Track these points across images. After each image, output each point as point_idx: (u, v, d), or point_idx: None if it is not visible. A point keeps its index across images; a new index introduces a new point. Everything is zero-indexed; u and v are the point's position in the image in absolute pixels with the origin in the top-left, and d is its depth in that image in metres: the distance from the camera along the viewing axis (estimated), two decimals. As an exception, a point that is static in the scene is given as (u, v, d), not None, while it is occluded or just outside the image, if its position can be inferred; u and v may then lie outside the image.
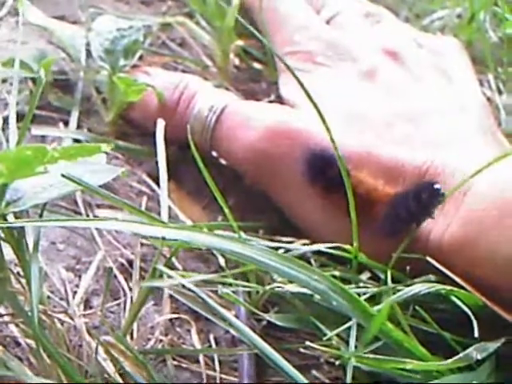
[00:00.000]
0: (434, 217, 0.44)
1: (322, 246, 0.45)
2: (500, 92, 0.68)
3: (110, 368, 0.42)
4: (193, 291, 0.44)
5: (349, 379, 0.37)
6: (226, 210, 0.46)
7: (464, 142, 0.50)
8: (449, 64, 0.58)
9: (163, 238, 0.40)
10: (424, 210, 0.44)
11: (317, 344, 0.42)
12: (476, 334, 0.40)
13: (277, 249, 0.43)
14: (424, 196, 0.44)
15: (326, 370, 0.45)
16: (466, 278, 0.43)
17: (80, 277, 0.48)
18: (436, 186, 0.44)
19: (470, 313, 0.42)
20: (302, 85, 0.44)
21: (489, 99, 0.65)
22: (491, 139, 0.51)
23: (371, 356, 0.39)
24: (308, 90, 0.44)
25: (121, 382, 0.42)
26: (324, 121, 0.43)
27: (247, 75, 0.66)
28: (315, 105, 0.43)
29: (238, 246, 0.38)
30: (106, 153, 0.40)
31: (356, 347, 0.42)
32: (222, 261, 0.49)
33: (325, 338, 0.42)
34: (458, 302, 0.43)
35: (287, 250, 0.46)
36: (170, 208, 0.52)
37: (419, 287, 0.42)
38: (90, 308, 0.47)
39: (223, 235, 0.39)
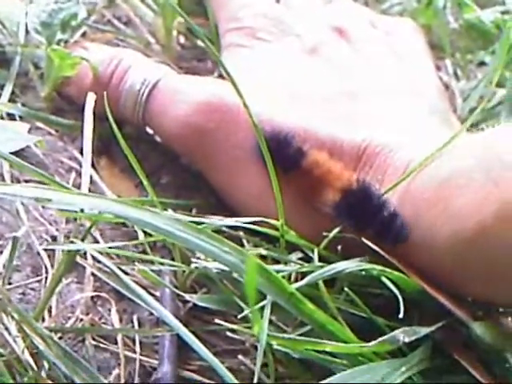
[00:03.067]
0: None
1: (243, 220, 0.43)
2: (457, 78, 0.66)
3: (18, 346, 0.40)
4: (113, 271, 0.42)
5: (259, 360, 0.34)
6: (145, 182, 0.44)
7: (410, 122, 0.48)
8: (403, 45, 0.57)
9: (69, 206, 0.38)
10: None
11: (242, 326, 0.40)
12: (401, 315, 0.38)
13: (198, 224, 0.41)
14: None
15: (253, 354, 0.43)
16: (404, 264, 0.41)
17: (2, 252, 0.46)
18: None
19: (398, 294, 0.40)
20: (218, 60, 0.42)
21: (446, 85, 0.64)
22: (442, 122, 0.50)
23: (286, 336, 0.37)
24: (225, 65, 0.42)
25: (30, 360, 0.40)
26: (241, 96, 0.41)
27: (192, 53, 0.64)
28: (232, 80, 0.41)
29: (149, 216, 0.36)
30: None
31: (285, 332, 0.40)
32: (141, 236, 0.47)
33: (239, 316, 0.40)
34: (389, 284, 0.40)
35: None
36: (97, 184, 0.50)
37: (346, 264, 0.39)
38: (10, 284, 0.45)
39: (136, 206, 0.37)
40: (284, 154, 0.44)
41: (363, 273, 0.42)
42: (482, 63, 0.68)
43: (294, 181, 0.44)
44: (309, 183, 0.44)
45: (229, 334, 0.43)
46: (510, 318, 0.45)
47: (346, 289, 0.40)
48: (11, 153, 0.44)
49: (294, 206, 0.44)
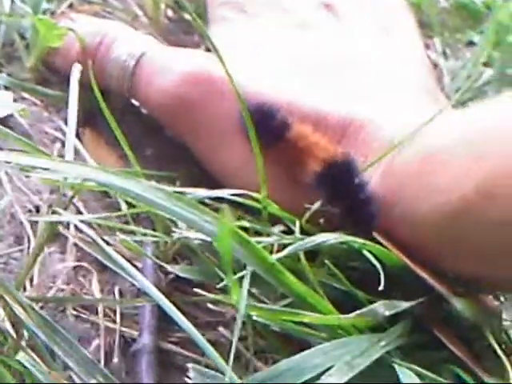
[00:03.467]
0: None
1: (225, 192, 0.42)
2: (446, 57, 0.66)
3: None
4: (95, 240, 0.42)
5: (237, 329, 0.34)
6: (129, 154, 0.44)
7: (396, 98, 0.48)
8: (391, 22, 0.56)
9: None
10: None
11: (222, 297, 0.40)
12: (381, 287, 0.38)
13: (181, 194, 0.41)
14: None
15: (233, 327, 0.43)
16: (386, 239, 0.41)
17: (-15, 222, 0.46)
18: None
19: (379, 267, 0.39)
20: (205, 33, 0.42)
21: (434, 64, 0.64)
22: (429, 99, 0.49)
23: (265, 306, 0.37)
24: (210, 37, 0.42)
25: (10, 329, 0.40)
26: (226, 68, 0.40)
27: (179, 27, 0.64)
28: (217, 52, 0.41)
29: (132, 184, 0.36)
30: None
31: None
32: (124, 207, 0.47)
33: (219, 286, 0.40)
34: (370, 257, 0.40)
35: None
36: (81, 154, 0.50)
37: (326, 236, 0.39)
38: (-8, 254, 0.45)
39: (119, 174, 0.37)
40: (268, 126, 0.44)
41: (345, 246, 0.42)
42: (470, 43, 0.68)
43: (278, 153, 0.44)
44: (292, 155, 0.44)
45: (210, 306, 0.43)
46: (490, 296, 0.46)
47: (326, 261, 0.40)
48: (-5, 122, 0.44)
49: (278, 179, 0.44)
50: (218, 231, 0.34)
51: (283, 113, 0.44)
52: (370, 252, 0.41)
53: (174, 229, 0.42)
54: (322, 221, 0.42)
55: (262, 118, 0.44)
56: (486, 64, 0.61)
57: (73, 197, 0.43)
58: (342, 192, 0.42)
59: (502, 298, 0.47)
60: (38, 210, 0.47)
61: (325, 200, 0.43)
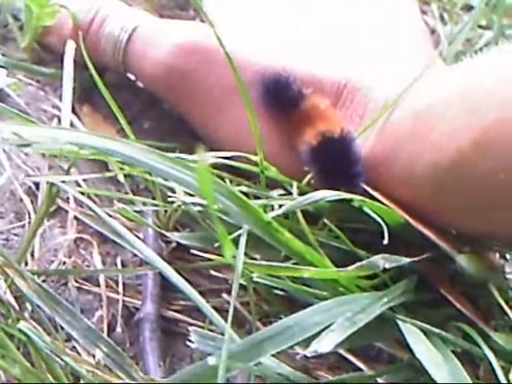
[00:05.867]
0: None
1: (223, 155, 0.42)
2: (444, 22, 0.65)
3: (1, 288, 0.40)
4: (95, 212, 0.42)
5: (236, 284, 0.34)
6: (124, 123, 0.44)
7: (392, 61, 0.48)
8: None
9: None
10: None
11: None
12: (385, 241, 0.38)
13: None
14: None
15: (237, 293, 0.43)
16: (387, 198, 0.41)
17: (-15, 201, 0.46)
18: None
19: (382, 222, 0.39)
20: (198, 5, 0.41)
21: (432, 29, 0.63)
22: (425, 61, 0.49)
23: (264, 263, 0.37)
24: (207, 10, 0.42)
25: (13, 302, 0.40)
26: (219, 37, 0.40)
27: (173, 2, 0.64)
28: (210, 21, 0.41)
29: (128, 148, 0.36)
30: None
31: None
32: (121, 178, 0.47)
33: (215, 245, 0.40)
34: (371, 214, 0.40)
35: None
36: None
37: (324, 193, 0.39)
38: (-7, 230, 0.45)
39: (114, 139, 0.37)
40: (285, 95, 0.44)
41: (346, 207, 0.41)
42: (468, 7, 0.68)
43: (284, 121, 0.44)
44: (297, 124, 0.44)
45: (212, 272, 0.43)
46: (495, 254, 0.45)
47: (325, 220, 0.40)
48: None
49: (278, 144, 0.45)
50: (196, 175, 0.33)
51: (300, 83, 0.44)
52: (371, 210, 0.40)
53: (170, 194, 0.42)
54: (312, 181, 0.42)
55: (278, 88, 0.44)
56: (484, 27, 0.60)
57: (70, 167, 0.42)
58: (331, 169, 0.42)
59: (507, 256, 0.46)
60: (37, 186, 0.47)
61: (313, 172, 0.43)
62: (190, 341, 0.35)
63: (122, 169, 0.46)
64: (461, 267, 0.40)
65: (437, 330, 0.39)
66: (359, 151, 0.42)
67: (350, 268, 0.37)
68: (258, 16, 0.51)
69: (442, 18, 0.66)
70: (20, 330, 0.36)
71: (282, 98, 0.44)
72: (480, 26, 0.64)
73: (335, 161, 0.42)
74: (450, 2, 0.66)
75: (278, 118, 0.45)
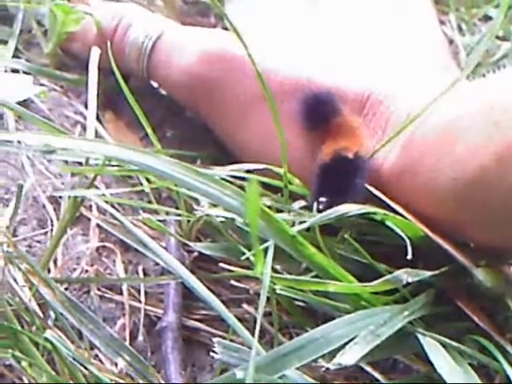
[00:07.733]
0: None
1: (247, 167, 0.43)
2: (462, 33, 0.66)
3: (25, 295, 0.40)
4: (119, 220, 0.42)
5: (262, 302, 0.34)
6: (149, 130, 0.44)
7: (413, 72, 0.48)
8: None
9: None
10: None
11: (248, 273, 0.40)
12: (409, 256, 0.38)
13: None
14: None
15: (257, 303, 0.43)
16: (407, 211, 0.41)
17: (8, 206, 0.46)
18: None
19: (404, 236, 0.39)
20: (221, 11, 0.42)
21: (450, 40, 0.64)
22: (444, 72, 0.49)
23: (289, 277, 0.37)
24: (229, 17, 0.42)
25: (37, 309, 0.40)
26: (245, 45, 0.40)
27: (195, 8, 0.64)
28: (235, 29, 0.41)
29: (153, 160, 0.36)
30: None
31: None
32: (145, 184, 0.47)
33: (243, 258, 0.40)
34: (393, 227, 0.40)
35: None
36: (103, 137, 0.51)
37: (347, 208, 0.39)
38: (16, 237, 0.45)
39: (139, 151, 0.37)
40: (320, 110, 0.44)
41: (366, 221, 0.42)
42: (486, 17, 0.68)
43: (312, 133, 0.45)
44: (323, 137, 0.44)
45: (233, 282, 0.43)
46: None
47: (346, 236, 0.40)
48: (16, 106, 0.44)
49: (302, 154, 0.45)
50: (245, 203, 0.34)
51: (336, 99, 0.45)
52: (393, 223, 0.41)
53: (196, 207, 0.43)
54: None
55: (318, 102, 0.44)
56: (502, 38, 0.61)
57: (95, 177, 0.43)
58: (336, 189, 0.42)
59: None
60: (60, 194, 0.48)
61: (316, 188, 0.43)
62: (213, 351, 0.35)
63: (148, 180, 0.46)
64: (478, 280, 0.40)
65: (455, 344, 0.39)
66: (366, 175, 0.43)
67: (375, 283, 0.38)
68: (280, 24, 0.51)
69: (459, 28, 0.66)
70: (46, 339, 0.36)
71: (319, 113, 0.44)
72: (498, 37, 0.64)
73: (337, 182, 0.42)
74: (468, 13, 0.66)
75: (306, 128, 0.45)
